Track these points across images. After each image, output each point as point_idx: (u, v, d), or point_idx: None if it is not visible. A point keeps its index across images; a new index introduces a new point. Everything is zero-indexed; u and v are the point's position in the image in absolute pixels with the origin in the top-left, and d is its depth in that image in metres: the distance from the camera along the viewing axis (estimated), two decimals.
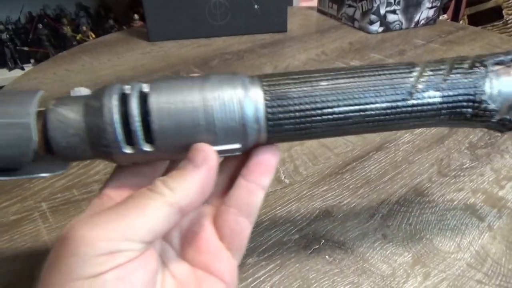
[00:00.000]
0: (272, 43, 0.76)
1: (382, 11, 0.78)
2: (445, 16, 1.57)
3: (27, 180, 0.39)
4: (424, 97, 0.20)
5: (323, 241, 0.31)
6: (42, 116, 0.18)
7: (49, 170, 0.19)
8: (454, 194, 0.36)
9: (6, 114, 0.17)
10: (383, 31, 0.80)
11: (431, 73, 0.20)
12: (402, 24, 0.81)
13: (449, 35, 0.78)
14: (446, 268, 0.29)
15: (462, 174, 0.38)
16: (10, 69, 1.35)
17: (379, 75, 0.20)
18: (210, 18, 0.77)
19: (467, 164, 0.40)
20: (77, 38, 1.36)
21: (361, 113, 0.19)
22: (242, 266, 0.29)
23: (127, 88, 0.18)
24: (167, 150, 0.18)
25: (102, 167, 0.40)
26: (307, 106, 0.19)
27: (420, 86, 0.20)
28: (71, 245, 0.15)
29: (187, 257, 0.20)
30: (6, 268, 0.29)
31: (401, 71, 0.20)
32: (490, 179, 0.37)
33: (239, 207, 0.20)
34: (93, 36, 1.39)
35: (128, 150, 0.18)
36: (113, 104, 0.18)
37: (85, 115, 0.18)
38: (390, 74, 0.20)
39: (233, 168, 0.22)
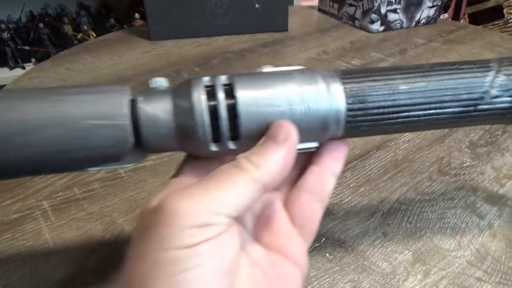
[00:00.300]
0: (273, 42, 0.76)
1: (383, 10, 0.78)
2: (446, 15, 1.57)
3: (28, 178, 0.39)
4: (496, 103, 0.20)
5: (323, 239, 0.31)
6: (132, 114, 0.18)
7: (132, 160, 0.19)
8: (455, 192, 0.36)
9: (103, 115, 0.18)
10: (384, 30, 0.80)
11: (505, 77, 0.20)
12: (403, 23, 0.81)
13: (450, 34, 0.78)
14: (446, 265, 0.29)
15: (462, 172, 0.38)
16: (11, 68, 1.35)
17: (455, 77, 0.20)
18: (211, 17, 0.77)
19: (468, 163, 0.40)
20: (78, 37, 1.36)
21: (435, 116, 0.20)
22: None
23: (212, 85, 0.19)
24: (248, 146, 0.19)
25: None
26: (385, 110, 0.20)
27: (493, 92, 0.20)
28: (165, 216, 0.15)
29: (261, 240, 0.21)
30: (8, 266, 0.30)
31: (476, 73, 0.21)
32: (490, 178, 0.37)
33: (312, 192, 0.21)
34: (94, 35, 1.39)
35: (214, 148, 0.19)
36: (203, 107, 0.18)
37: (175, 115, 0.18)
38: (465, 76, 0.20)
39: (302, 158, 0.23)
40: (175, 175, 0.20)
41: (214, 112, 0.18)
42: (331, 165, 0.21)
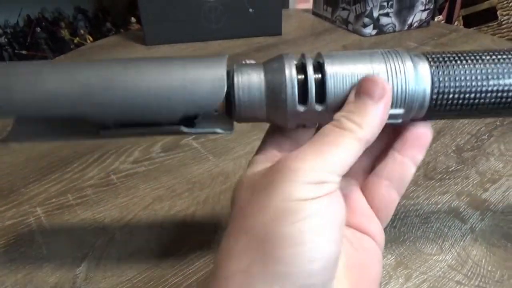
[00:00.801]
0: (267, 46, 0.77)
1: (376, 14, 0.78)
2: (440, 17, 1.58)
3: (22, 185, 0.40)
4: None
5: None
6: (227, 77, 0.20)
7: (221, 126, 0.21)
8: (439, 197, 0.37)
9: (203, 69, 0.20)
10: (377, 34, 0.81)
11: None
12: (395, 26, 0.82)
13: (442, 38, 0.79)
14: (427, 269, 0.30)
15: (447, 177, 0.39)
16: None
17: None
18: (205, 22, 0.78)
19: (453, 167, 0.40)
20: (75, 41, 1.37)
21: None
22: None
23: (301, 58, 0.21)
24: (333, 111, 0.20)
25: (96, 172, 0.41)
26: (472, 94, 0.20)
27: None
28: (287, 173, 0.17)
29: None
30: (2, 272, 0.30)
31: None
32: (474, 182, 0.38)
33: (391, 179, 0.22)
34: (91, 39, 1.40)
35: (301, 108, 0.20)
36: (292, 64, 0.20)
37: (266, 74, 0.20)
38: None
39: (379, 143, 0.23)
40: (257, 153, 0.22)
41: (302, 75, 0.20)
42: (413, 153, 0.22)
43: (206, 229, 0.34)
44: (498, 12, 1.45)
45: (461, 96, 0.20)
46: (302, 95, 0.20)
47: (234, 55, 0.72)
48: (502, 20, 1.45)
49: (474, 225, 0.33)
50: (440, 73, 0.20)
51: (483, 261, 0.30)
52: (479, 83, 0.20)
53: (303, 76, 0.20)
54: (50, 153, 0.45)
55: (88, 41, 1.38)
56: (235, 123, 0.22)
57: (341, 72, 0.20)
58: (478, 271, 0.29)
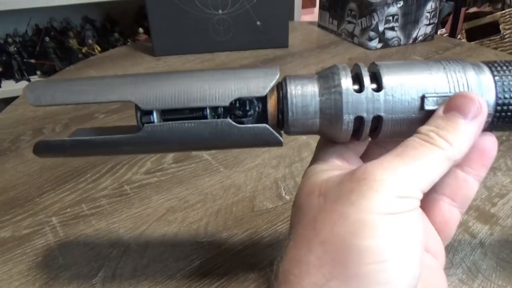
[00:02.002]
0: (274, 58, 0.78)
1: (381, 28, 0.80)
2: (444, 30, 1.60)
3: (37, 194, 0.41)
4: None
5: None
6: (280, 88, 0.20)
7: (272, 138, 0.20)
8: None
9: (255, 68, 0.20)
10: (382, 47, 0.82)
11: None
12: (400, 40, 0.83)
13: (446, 51, 0.80)
14: None
15: None
16: (17, 80, 1.38)
17: None
18: (213, 34, 0.79)
19: None
20: (83, 51, 1.39)
21: None
22: (244, 281, 0.31)
23: (355, 68, 0.20)
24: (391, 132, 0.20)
25: (110, 182, 0.42)
26: None
27: None
28: (373, 184, 0.16)
29: None
30: (20, 281, 0.31)
31: None
32: (482, 197, 0.39)
33: (453, 197, 0.21)
34: (99, 49, 1.42)
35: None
36: (348, 75, 0.19)
37: (321, 95, 0.20)
38: None
39: None
40: (315, 162, 0.21)
41: (358, 89, 0.19)
42: (478, 170, 0.20)
43: (220, 241, 0.34)
44: (500, 26, 1.47)
45: None
46: (354, 134, 0.20)
47: (241, 66, 0.73)
48: (504, 34, 1.47)
49: (483, 240, 0.34)
50: (504, 83, 0.19)
51: (493, 275, 0.31)
52: None
53: (358, 87, 0.19)
54: (64, 163, 0.46)
55: (96, 51, 1.40)
56: (284, 136, 0.21)
57: (399, 83, 0.19)
58: (488, 286, 0.30)
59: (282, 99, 0.20)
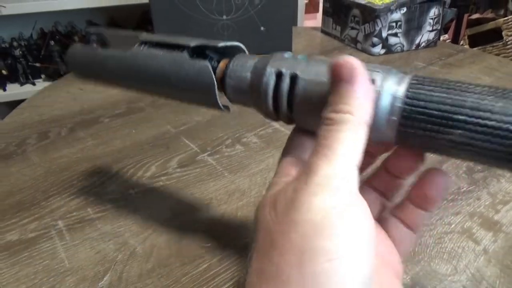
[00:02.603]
0: None
1: (384, 34, 0.80)
2: (446, 36, 1.60)
3: (43, 198, 0.41)
4: None
5: None
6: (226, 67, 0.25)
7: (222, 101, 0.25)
8: (452, 217, 0.37)
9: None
10: (385, 53, 0.82)
11: None
12: (403, 46, 0.84)
13: (449, 58, 0.80)
14: None
15: (459, 198, 0.40)
16: (22, 84, 1.39)
17: None
18: (218, 39, 0.80)
19: (465, 188, 0.41)
20: None
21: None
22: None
23: (285, 66, 0.23)
24: (301, 120, 0.23)
25: (115, 186, 0.42)
26: (443, 123, 0.19)
27: None
28: (305, 189, 0.17)
29: None
30: (26, 285, 0.31)
31: None
32: (486, 203, 0.39)
33: (406, 223, 0.23)
34: None
35: (271, 108, 0.23)
36: (270, 76, 0.23)
37: (256, 65, 0.24)
38: None
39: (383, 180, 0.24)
40: (284, 155, 0.23)
41: (277, 85, 0.23)
42: (426, 205, 0.22)
43: (225, 245, 0.35)
44: (503, 33, 1.48)
45: (432, 118, 0.19)
46: (274, 98, 0.23)
47: None
48: (507, 40, 1.47)
49: (487, 247, 0.34)
50: (418, 87, 0.19)
51: (498, 282, 0.31)
52: (452, 110, 0.19)
53: (276, 80, 0.23)
54: (69, 166, 0.46)
55: None
56: (233, 106, 0.26)
57: (311, 79, 0.21)
58: None
59: (229, 61, 0.25)
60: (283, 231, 0.17)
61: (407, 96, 0.19)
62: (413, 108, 0.19)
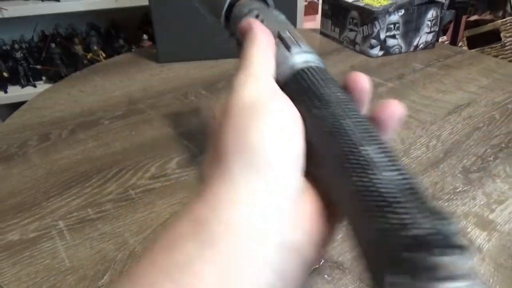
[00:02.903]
0: None
1: (382, 36, 0.81)
2: (445, 38, 1.61)
3: (44, 198, 0.41)
4: None
5: (322, 261, 0.33)
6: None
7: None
8: None
9: None
10: (383, 55, 0.83)
11: None
12: (401, 48, 0.84)
13: (447, 59, 0.81)
14: None
15: (455, 197, 0.40)
16: (23, 86, 1.40)
17: None
18: (218, 40, 0.80)
19: (460, 188, 0.42)
20: (88, 57, 1.41)
21: None
22: None
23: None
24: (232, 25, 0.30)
25: (115, 187, 0.43)
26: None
27: None
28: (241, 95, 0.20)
29: None
30: (27, 284, 0.32)
31: None
32: (481, 203, 0.39)
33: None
34: (103, 55, 1.43)
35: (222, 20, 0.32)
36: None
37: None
38: None
39: None
40: None
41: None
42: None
43: None
44: (501, 34, 1.48)
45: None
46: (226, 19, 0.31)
47: None
48: (505, 41, 1.48)
49: (481, 245, 0.34)
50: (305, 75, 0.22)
51: (491, 280, 0.31)
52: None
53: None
54: (69, 168, 0.47)
55: (101, 57, 1.41)
56: None
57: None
58: None
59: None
60: (222, 119, 0.20)
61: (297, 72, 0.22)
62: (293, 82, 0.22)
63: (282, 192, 0.18)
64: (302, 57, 0.23)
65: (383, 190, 0.15)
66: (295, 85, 0.22)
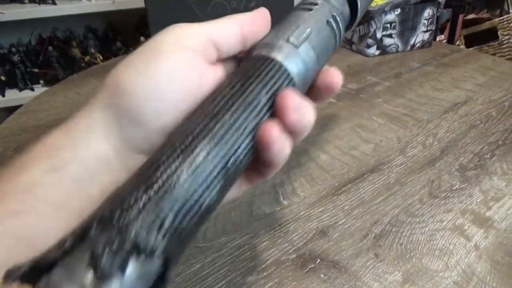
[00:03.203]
0: None
1: (379, 35, 0.81)
2: (442, 36, 1.61)
3: None
4: None
5: (318, 260, 0.33)
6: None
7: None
8: (444, 214, 0.38)
9: None
10: (380, 54, 0.83)
11: None
12: (398, 47, 0.84)
13: (444, 58, 0.81)
14: (434, 286, 0.31)
15: (451, 195, 0.40)
16: (21, 89, 1.40)
17: None
18: None
19: (457, 186, 0.42)
20: (85, 60, 1.41)
21: None
22: (242, 284, 0.31)
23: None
24: None
25: None
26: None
27: None
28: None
29: None
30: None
31: None
32: (478, 200, 0.39)
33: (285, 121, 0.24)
34: (101, 58, 1.43)
35: None
36: None
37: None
38: None
39: None
40: None
41: None
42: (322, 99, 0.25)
43: (219, 246, 0.35)
44: (498, 32, 1.48)
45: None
46: None
47: None
48: (503, 40, 1.48)
49: (478, 243, 0.34)
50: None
51: (488, 278, 0.31)
52: None
53: None
54: None
55: (99, 60, 1.41)
56: None
57: None
58: None
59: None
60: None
61: None
62: None
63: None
64: (283, 53, 0.22)
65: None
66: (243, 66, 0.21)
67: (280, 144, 0.19)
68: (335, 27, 0.25)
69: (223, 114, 0.18)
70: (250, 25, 0.22)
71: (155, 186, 0.16)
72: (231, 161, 0.18)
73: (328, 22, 0.24)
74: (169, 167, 0.16)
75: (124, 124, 0.19)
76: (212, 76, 0.21)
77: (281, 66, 0.21)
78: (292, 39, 0.22)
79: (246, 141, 0.19)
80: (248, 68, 0.21)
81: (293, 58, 0.22)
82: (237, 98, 0.19)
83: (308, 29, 0.23)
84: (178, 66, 0.19)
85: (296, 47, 0.22)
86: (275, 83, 0.20)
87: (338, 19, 0.25)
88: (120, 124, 0.19)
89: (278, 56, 0.21)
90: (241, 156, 0.18)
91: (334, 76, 0.24)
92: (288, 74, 0.21)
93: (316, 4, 0.25)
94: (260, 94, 0.19)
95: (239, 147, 0.18)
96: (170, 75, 0.19)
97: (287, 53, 0.22)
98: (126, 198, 0.15)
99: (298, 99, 0.20)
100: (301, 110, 0.20)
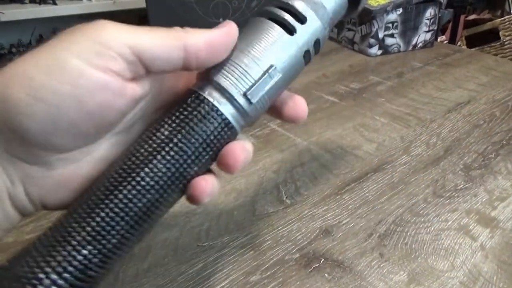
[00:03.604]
0: None
1: (381, 35, 0.81)
2: (443, 37, 1.61)
3: None
4: None
5: (322, 259, 0.33)
6: None
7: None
8: (449, 214, 0.37)
9: None
10: (382, 54, 0.83)
11: None
12: (400, 47, 0.84)
13: (446, 58, 0.81)
14: (440, 286, 0.30)
15: (456, 195, 0.40)
16: None
17: None
18: None
19: (461, 185, 0.41)
20: None
21: None
22: (245, 284, 0.31)
23: None
24: None
25: None
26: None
27: None
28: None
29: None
30: None
31: None
32: (483, 200, 0.39)
33: None
34: None
35: None
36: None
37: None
38: None
39: None
40: None
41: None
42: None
43: (221, 245, 0.34)
44: (500, 33, 1.48)
45: None
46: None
47: None
48: (504, 40, 1.48)
49: (484, 243, 0.34)
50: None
51: (495, 278, 0.31)
52: None
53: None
54: None
55: None
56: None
57: None
58: None
59: None
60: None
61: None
62: None
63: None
64: (234, 108, 0.21)
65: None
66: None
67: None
68: (312, 54, 0.22)
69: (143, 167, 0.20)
70: (197, 50, 0.20)
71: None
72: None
73: (305, 53, 0.22)
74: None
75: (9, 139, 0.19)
76: (131, 94, 0.20)
77: (228, 122, 0.20)
78: (250, 94, 0.20)
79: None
80: (186, 113, 0.20)
81: (243, 113, 0.20)
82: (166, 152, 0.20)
83: (274, 79, 0.21)
84: (84, 87, 0.18)
85: (251, 103, 0.20)
86: (215, 137, 0.20)
87: (321, 42, 0.22)
88: (6, 139, 0.19)
89: (226, 110, 0.20)
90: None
91: (299, 111, 0.25)
92: (232, 127, 0.20)
93: (303, 22, 0.21)
94: (195, 145, 0.20)
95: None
96: (73, 98, 0.18)
97: (238, 108, 0.20)
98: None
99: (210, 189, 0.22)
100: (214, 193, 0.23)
